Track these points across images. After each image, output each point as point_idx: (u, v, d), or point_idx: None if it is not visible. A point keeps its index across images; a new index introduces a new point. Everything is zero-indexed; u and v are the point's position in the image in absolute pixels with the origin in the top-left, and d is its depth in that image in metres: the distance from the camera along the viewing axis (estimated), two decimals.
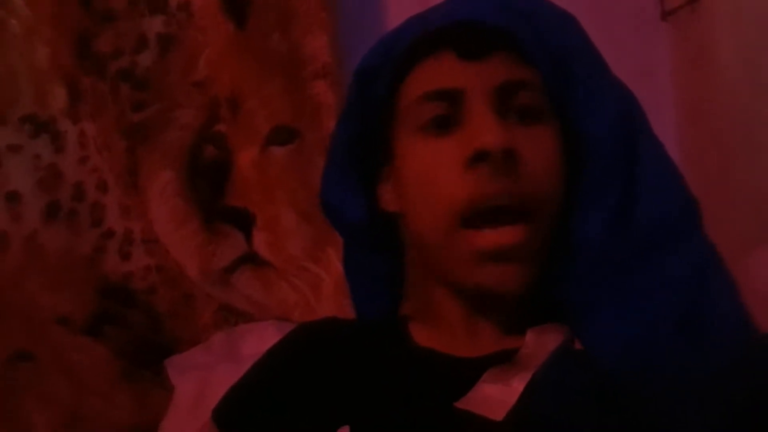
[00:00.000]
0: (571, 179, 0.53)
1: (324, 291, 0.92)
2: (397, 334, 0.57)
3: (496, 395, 0.49)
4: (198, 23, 0.93)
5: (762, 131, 0.86)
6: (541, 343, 0.52)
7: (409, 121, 0.54)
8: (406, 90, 0.55)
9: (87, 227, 0.95)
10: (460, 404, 0.50)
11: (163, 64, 0.93)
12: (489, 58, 0.52)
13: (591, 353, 0.51)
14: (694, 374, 0.48)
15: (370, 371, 0.55)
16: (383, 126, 0.56)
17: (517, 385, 0.50)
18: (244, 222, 0.92)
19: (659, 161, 0.54)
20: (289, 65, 0.93)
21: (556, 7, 0.56)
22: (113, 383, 0.94)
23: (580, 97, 0.53)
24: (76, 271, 0.95)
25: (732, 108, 0.91)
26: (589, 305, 0.51)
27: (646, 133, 0.55)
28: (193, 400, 0.86)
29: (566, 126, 0.54)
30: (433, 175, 0.52)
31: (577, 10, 0.56)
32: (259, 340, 0.90)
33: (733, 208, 0.88)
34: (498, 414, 0.49)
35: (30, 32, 0.94)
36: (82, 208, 0.95)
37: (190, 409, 0.87)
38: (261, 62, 0.93)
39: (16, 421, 0.95)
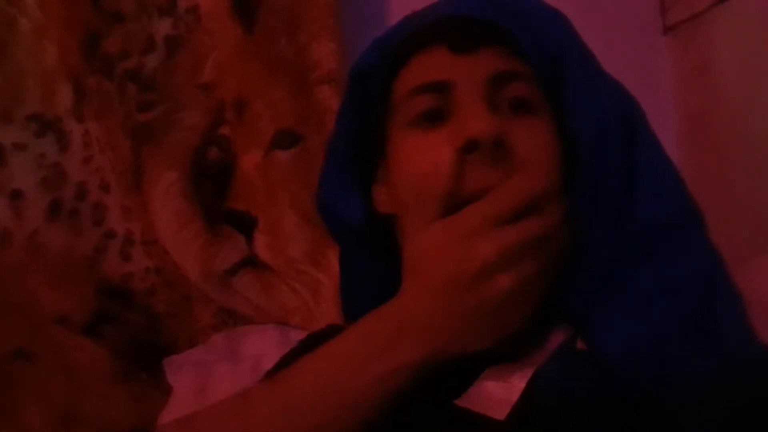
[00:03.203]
0: (569, 178, 0.51)
1: (324, 295, 0.90)
2: None
3: (498, 393, 0.48)
4: (206, 26, 0.92)
5: (762, 143, 0.86)
6: (541, 341, 0.50)
7: (400, 116, 0.53)
8: (398, 86, 0.54)
9: (89, 227, 0.92)
10: (461, 402, 0.48)
11: (169, 66, 0.92)
12: (480, 51, 0.51)
13: (596, 353, 0.49)
14: (701, 377, 0.47)
15: None
16: (378, 125, 0.55)
17: (519, 382, 0.48)
18: (245, 225, 0.90)
19: (659, 163, 0.52)
20: (295, 70, 0.91)
21: (546, 5, 0.55)
22: (111, 383, 0.92)
23: (572, 93, 0.51)
24: (76, 271, 0.93)
25: (732, 121, 0.90)
26: (593, 305, 0.49)
27: (645, 134, 0.53)
28: (192, 397, 0.84)
29: (561, 123, 0.52)
30: (422, 168, 0.50)
31: (579, 24, 0.55)
32: (259, 341, 0.89)
33: (734, 220, 0.87)
34: (500, 413, 0.47)
35: (39, 31, 0.92)
36: (84, 207, 0.93)
37: (189, 406, 0.84)
38: (267, 67, 0.92)
39: (13, 418, 0.92)
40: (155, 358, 0.91)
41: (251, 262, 0.90)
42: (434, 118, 0.51)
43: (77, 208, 0.93)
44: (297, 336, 0.88)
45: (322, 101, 0.91)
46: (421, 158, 0.51)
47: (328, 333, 0.58)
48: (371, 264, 0.57)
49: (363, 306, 0.58)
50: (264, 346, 0.86)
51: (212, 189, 0.90)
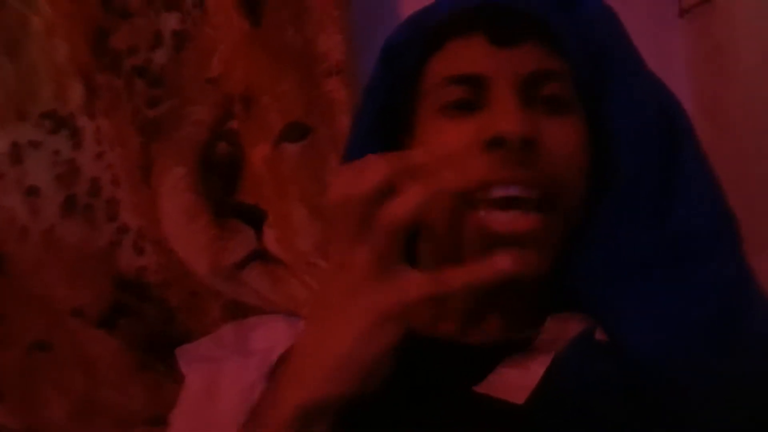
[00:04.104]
0: (603, 178, 0.50)
1: None
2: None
3: (517, 379, 0.47)
4: (212, 20, 0.91)
5: None
6: (561, 331, 0.50)
7: (431, 101, 0.52)
8: (432, 69, 0.53)
9: (103, 222, 0.93)
10: (480, 388, 0.47)
11: (177, 61, 0.91)
12: (520, 45, 0.50)
13: (619, 346, 0.48)
14: (723, 378, 0.46)
15: None
16: (407, 101, 0.54)
17: (537, 368, 0.47)
18: (254, 218, 0.89)
19: (699, 168, 0.51)
20: (303, 62, 0.90)
21: (597, 1, 0.54)
22: (127, 375, 0.92)
23: (613, 93, 0.51)
24: (92, 265, 0.93)
25: (749, 105, 0.88)
26: (620, 301, 0.49)
27: (687, 137, 0.51)
28: (203, 392, 0.85)
29: (597, 122, 0.51)
30: (447, 156, 0.50)
31: None
32: (268, 334, 0.88)
33: (750, 206, 0.84)
34: (519, 397, 0.46)
35: (51, 29, 0.93)
36: (98, 203, 0.93)
37: (199, 401, 0.85)
38: (275, 59, 0.90)
39: (32, 407, 0.94)
40: (170, 350, 0.92)
41: (260, 255, 0.90)
42: (465, 108, 0.50)
43: (91, 204, 0.93)
44: None
45: (330, 93, 0.90)
46: (445, 145, 0.50)
47: None
48: None
49: None
50: (273, 338, 0.85)
51: (221, 183, 0.90)
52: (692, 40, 0.96)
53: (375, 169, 0.40)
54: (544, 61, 0.50)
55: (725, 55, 0.90)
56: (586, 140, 0.51)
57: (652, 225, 0.49)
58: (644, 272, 0.49)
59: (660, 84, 0.53)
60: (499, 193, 0.48)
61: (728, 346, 0.47)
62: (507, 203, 0.48)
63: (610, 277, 0.49)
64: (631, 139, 0.50)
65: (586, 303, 0.51)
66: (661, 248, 0.49)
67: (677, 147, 0.51)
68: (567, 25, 0.51)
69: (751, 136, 0.87)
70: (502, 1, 0.52)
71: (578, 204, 0.50)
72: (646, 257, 0.49)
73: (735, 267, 0.50)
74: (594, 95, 0.51)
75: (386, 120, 0.56)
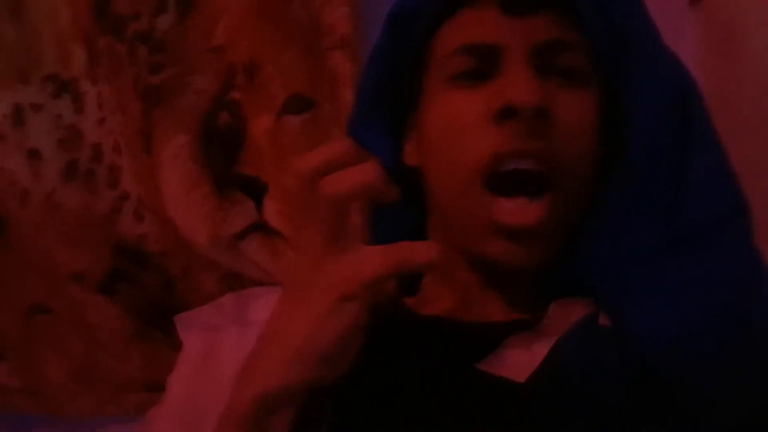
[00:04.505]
0: (613, 163, 0.49)
1: None
2: (395, 309, 0.53)
3: (519, 358, 0.47)
4: None
5: None
6: (565, 315, 0.49)
7: (440, 70, 0.50)
8: (441, 39, 0.51)
9: (104, 188, 0.92)
10: (482, 366, 0.47)
11: (181, 29, 0.89)
12: (534, 15, 0.48)
13: (625, 332, 0.47)
14: (727, 368, 0.46)
15: (372, 343, 0.51)
16: (413, 72, 0.52)
17: (540, 349, 0.47)
18: (255, 190, 0.89)
19: (713, 155, 0.50)
20: (308, 34, 0.89)
21: None
22: (125, 340, 0.93)
23: (631, 70, 0.49)
24: (92, 230, 0.93)
25: (758, 95, 0.86)
26: (627, 287, 0.48)
27: (702, 123, 0.50)
28: (201, 359, 0.85)
29: (612, 100, 0.49)
30: (458, 126, 0.49)
31: None
32: (268, 305, 0.87)
33: (757, 200, 0.84)
34: (520, 375, 0.46)
35: None
36: (99, 169, 0.93)
37: (197, 367, 0.85)
38: (279, 30, 0.89)
39: (32, 370, 0.95)
40: (168, 318, 0.92)
41: (260, 227, 0.89)
42: (475, 77, 0.49)
43: (93, 169, 0.93)
44: None
45: (334, 66, 0.88)
46: (457, 117, 0.49)
47: None
48: (397, 213, 0.55)
49: None
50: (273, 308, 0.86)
51: (222, 153, 0.89)
52: (702, 28, 0.93)
53: (331, 148, 0.39)
54: (559, 31, 0.49)
55: (735, 43, 0.88)
56: (598, 117, 0.49)
57: (663, 213, 0.48)
58: (654, 261, 0.48)
59: (678, 64, 0.51)
60: (509, 166, 0.47)
61: (736, 338, 0.46)
62: (518, 183, 0.47)
63: (620, 264, 0.48)
64: (646, 123, 0.48)
65: (594, 289, 0.50)
66: (672, 237, 0.48)
67: (692, 133, 0.49)
68: None
69: (762, 124, 0.85)
70: None
71: (584, 186, 0.49)
72: (656, 245, 0.48)
73: (747, 257, 0.48)
74: (611, 74, 0.49)
75: (390, 92, 0.54)
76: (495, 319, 0.51)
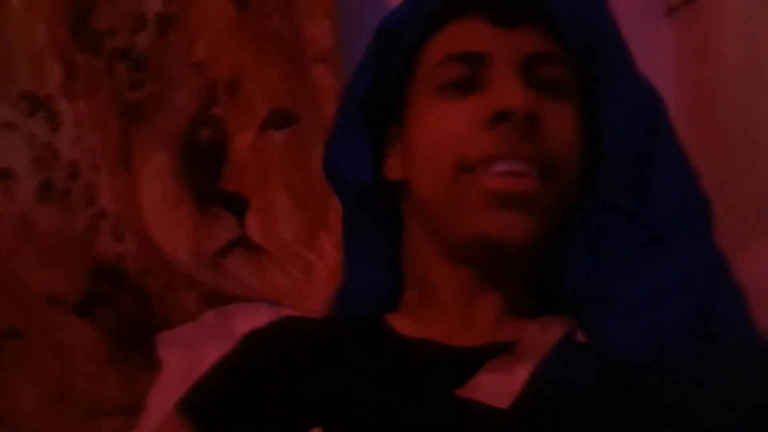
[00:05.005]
0: (589, 166, 0.51)
1: (317, 277, 0.87)
2: (377, 328, 0.53)
3: (500, 383, 0.47)
4: (198, 3, 0.88)
5: (763, 128, 0.83)
6: (542, 334, 0.49)
7: (428, 80, 0.51)
8: (429, 50, 0.52)
9: (80, 206, 0.90)
10: (462, 392, 0.46)
11: (161, 44, 0.88)
12: (519, 27, 0.50)
13: (603, 345, 0.47)
14: (710, 373, 0.46)
15: (353, 365, 0.51)
16: (400, 85, 0.53)
17: (521, 373, 0.47)
18: (237, 206, 0.88)
19: (677, 158, 0.52)
20: (290, 49, 0.88)
21: None
22: (102, 363, 0.90)
23: (605, 81, 0.51)
24: (68, 251, 0.90)
25: (734, 104, 0.88)
26: (600, 298, 0.49)
27: (666, 129, 0.52)
28: (182, 376, 0.83)
29: (587, 110, 0.51)
30: (445, 134, 0.49)
31: None
32: (252, 320, 0.86)
33: (733, 204, 0.85)
34: (502, 402, 0.45)
35: (29, 8, 0.89)
36: (76, 187, 0.90)
37: (178, 384, 0.83)
38: (261, 45, 0.88)
39: (5, 397, 0.91)
40: (147, 339, 0.89)
41: (243, 243, 0.88)
42: (463, 88, 0.50)
43: (69, 188, 0.91)
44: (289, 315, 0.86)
45: (316, 81, 0.88)
46: (446, 126, 0.49)
47: (295, 322, 0.57)
48: (375, 228, 0.56)
49: (363, 271, 0.57)
50: (256, 324, 0.84)
51: (204, 169, 0.88)
52: (678, 37, 0.96)
53: None
54: (543, 44, 0.50)
55: (710, 52, 0.90)
56: (579, 127, 0.51)
57: (634, 213, 0.50)
58: (626, 265, 0.49)
59: (644, 77, 0.54)
60: (501, 167, 0.48)
61: (707, 343, 0.47)
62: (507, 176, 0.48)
63: (595, 269, 0.49)
64: (618, 129, 0.50)
65: (576, 296, 0.50)
66: (639, 240, 0.49)
67: (658, 138, 0.51)
68: (564, 10, 0.51)
69: (735, 130, 0.87)
70: None
71: (570, 189, 0.50)
72: (628, 247, 0.49)
73: (710, 256, 0.50)
74: (587, 87, 0.51)
75: (373, 107, 0.55)
76: (479, 339, 0.51)
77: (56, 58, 0.90)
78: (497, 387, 0.46)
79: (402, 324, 0.54)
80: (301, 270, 0.87)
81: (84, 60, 0.89)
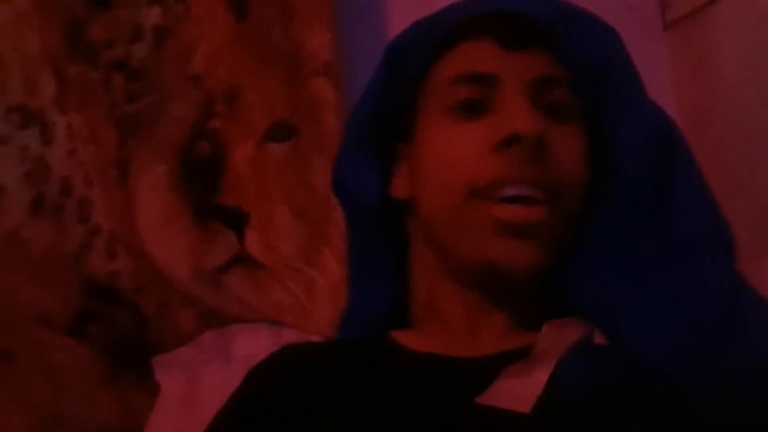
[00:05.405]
0: (598, 186, 0.51)
1: (319, 293, 0.85)
2: (385, 346, 0.53)
3: (520, 388, 0.46)
4: (196, 15, 0.87)
5: (762, 141, 0.84)
6: (559, 337, 0.49)
7: (437, 101, 0.52)
8: (439, 71, 0.52)
9: (73, 223, 0.87)
10: (482, 400, 0.46)
11: (158, 56, 0.86)
12: (529, 50, 0.51)
13: (629, 346, 0.47)
14: (727, 378, 0.46)
15: (364, 385, 0.50)
16: (408, 106, 0.53)
17: (540, 376, 0.46)
18: (237, 221, 0.85)
19: (696, 182, 0.53)
20: (289, 61, 0.87)
21: (600, 19, 0.55)
22: (95, 385, 0.86)
23: (616, 106, 0.52)
24: (60, 268, 0.87)
25: (732, 118, 0.88)
26: (624, 303, 0.49)
27: (683, 155, 0.53)
28: (181, 399, 0.80)
29: (595, 134, 0.52)
30: (455, 156, 0.50)
31: None
32: (251, 341, 0.84)
33: (734, 218, 0.85)
34: (524, 406, 0.45)
35: (21, 19, 0.87)
36: (69, 202, 0.87)
37: (177, 408, 0.80)
38: (260, 57, 0.87)
39: None
40: (143, 359, 0.87)
41: (242, 259, 0.85)
42: (473, 110, 0.51)
43: (62, 204, 0.88)
44: (290, 335, 0.84)
45: (316, 93, 0.87)
46: (455, 147, 0.50)
47: (298, 349, 0.56)
48: (381, 247, 0.56)
49: (369, 291, 0.57)
50: (256, 345, 0.82)
51: (202, 184, 0.85)
52: (676, 52, 0.97)
53: None
54: (552, 68, 0.51)
55: (708, 66, 0.91)
56: (586, 151, 0.52)
57: (651, 233, 0.51)
58: (644, 278, 0.50)
59: (658, 106, 0.55)
60: (510, 192, 0.48)
61: (730, 350, 0.47)
62: (515, 201, 0.49)
63: (613, 282, 0.50)
64: (633, 152, 0.51)
65: (587, 309, 0.50)
66: (660, 254, 0.50)
67: (673, 160, 0.52)
68: (573, 36, 0.52)
69: (733, 144, 0.88)
70: (511, 9, 0.53)
71: (576, 211, 0.51)
72: (646, 263, 0.50)
73: (727, 271, 0.51)
74: (592, 110, 0.52)
75: (381, 125, 0.56)
76: (488, 350, 0.51)
77: (49, 69, 0.88)
78: (517, 392, 0.46)
79: (409, 340, 0.53)
80: (303, 286, 0.85)
81: (78, 71, 0.87)
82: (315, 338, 0.78)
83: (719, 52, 0.89)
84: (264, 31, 0.87)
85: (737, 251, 0.53)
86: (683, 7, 0.94)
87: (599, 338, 0.49)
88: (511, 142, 0.48)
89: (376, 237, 0.57)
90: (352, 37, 0.88)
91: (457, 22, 0.54)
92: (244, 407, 0.53)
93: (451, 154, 0.50)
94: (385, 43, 0.58)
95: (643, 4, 0.98)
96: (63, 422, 0.87)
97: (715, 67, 0.90)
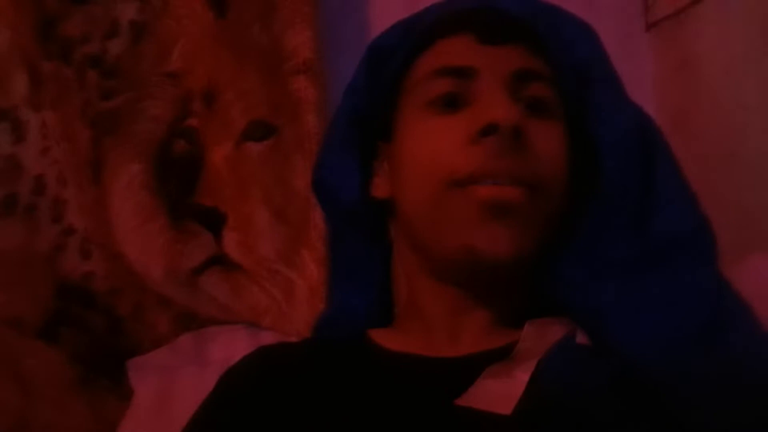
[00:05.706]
0: (580, 186, 0.51)
1: (297, 295, 0.84)
2: (362, 345, 0.52)
3: (501, 388, 0.46)
4: (174, 11, 0.85)
5: (744, 142, 0.84)
6: (540, 336, 0.48)
7: (417, 96, 0.51)
8: (418, 67, 0.53)
9: (46, 223, 0.85)
10: (462, 401, 0.45)
11: (135, 53, 0.85)
12: (507, 45, 0.51)
13: (614, 346, 0.47)
14: (721, 375, 0.46)
15: (341, 385, 0.49)
16: (389, 103, 0.53)
17: (521, 376, 0.46)
18: (214, 221, 0.83)
19: (677, 181, 0.53)
20: (269, 59, 0.86)
21: (578, 18, 0.55)
22: (68, 390, 0.84)
23: (597, 104, 0.52)
24: (32, 270, 0.85)
25: (714, 119, 0.88)
26: (609, 303, 0.48)
27: (664, 154, 0.53)
28: (155, 404, 0.79)
29: (575, 131, 0.52)
30: (434, 150, 0.49)
31: None
32: (228, 344, 0.83)
33: (715, 219, 0.85)
34: (505, 407, 0.44)
35: None
36: (42, 202, 0.86)
37: (150, 413, 0.79)
38: (239, 54, 0.85)
39: None
40: (116, 363, 0.85)
41: (220, 260, 0.84)
42: (452, 104, 0.50)
43: (34, 203, 0.86)
44: (267, 338, 0.83)
45: (297, 91, 0.85)
46: (434, 141, 0.50)
47: (272, 351, 0.55)
48: (362, 248, 0.56)
49: (350, 292, 0.56)
50: (233, 349, 0.80)
51: (178, 183, 0.84)
52: (659, 53, 0.97)
53: None
54: (530, 62, 0.51)
55: (691, 67, 0.91)
56: (566, 146, 0.51)
57: (634, 232, 0.50)
58: (628, 278, 0.49)
59: (638, 106, 0.55)
60: (487, 185, 0.48)
61: (717, 348, 0.47)
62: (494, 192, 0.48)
63: (596, 282, 0.49)
64: (615, 150, 0.51)
65: (570, 309, 0.50)
66: (643, 254, 0.50)
67: (655, 160, 0.52)
68: (552, 33, 0.52)
69: (716, 145, 0.87)
70: (490, 5, 0.53)
71: (557, 208, 0.51)
72: (629, 263, 0.50)
73: (710, 272, 0.50)
74: (574, 110, 0.52)
75: (363, 124, 0.55)
76: (468, 350, 0.50)
77: (21, 65, 0.86)
78: (498, 393, 0.46)
79: (387, 339, 0.53)
80: (281, 288, 0.84)
81: (52, 67, 0.85)
82: (293, 340, 0.76)
83: (702, 54, 0.89)
84: (244, 28, 0.86)
85: (719, 251, 0.53)
86: (666, 8, 0.94)
87: (582, 338, 0.49)
88: (488, 132, 0.48)
89: (357, 237, 0.56)
90: (334, 36, 0.87)
91: (436, 19, 0.54)
92: (218, 412, 0.51)
93: (430, 147, 0.50)
94: (367, 41, 0.57)
95: (625, 4, 0.98)
96: (33, 429, 0.84)
97: (697, 68, 0.90)
